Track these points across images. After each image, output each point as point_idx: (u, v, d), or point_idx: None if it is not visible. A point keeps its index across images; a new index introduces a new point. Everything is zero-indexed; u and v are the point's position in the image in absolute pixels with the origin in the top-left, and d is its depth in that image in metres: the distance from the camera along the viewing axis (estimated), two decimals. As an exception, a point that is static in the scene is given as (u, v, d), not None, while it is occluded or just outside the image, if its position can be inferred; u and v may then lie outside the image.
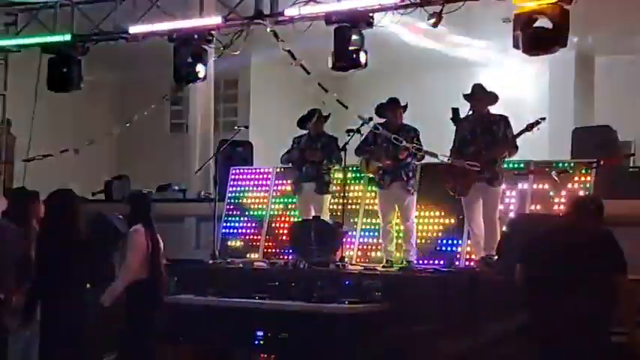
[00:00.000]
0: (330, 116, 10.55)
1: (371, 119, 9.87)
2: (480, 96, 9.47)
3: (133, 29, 10.78)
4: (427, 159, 9.95)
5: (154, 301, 7.93)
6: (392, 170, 9.92)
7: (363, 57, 9.63)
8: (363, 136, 10.13)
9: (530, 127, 9.11)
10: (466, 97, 9.52)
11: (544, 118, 9.21)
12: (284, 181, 11.58)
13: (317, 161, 10.41)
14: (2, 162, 12.04)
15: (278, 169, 11.70)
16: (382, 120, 9.94)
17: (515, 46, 8.73)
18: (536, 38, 8.63)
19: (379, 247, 10.33)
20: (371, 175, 10.25)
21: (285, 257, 10.76)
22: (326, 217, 10.40)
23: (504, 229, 9.16)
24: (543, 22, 8.58)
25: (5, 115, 11.96)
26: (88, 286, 7.76)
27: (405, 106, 10.03)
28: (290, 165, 10.79)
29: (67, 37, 11.08)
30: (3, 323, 7.37)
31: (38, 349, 7.53)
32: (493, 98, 9.48)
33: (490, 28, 12.87)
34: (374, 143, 10.06)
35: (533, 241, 6.84)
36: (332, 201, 10.63)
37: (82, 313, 7.47)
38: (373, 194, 10.53)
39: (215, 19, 10.43)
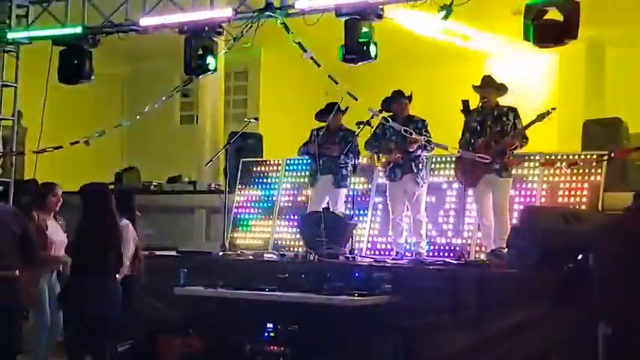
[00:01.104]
0: (348, 110, 10.56)
1: (381, 111, 9.87)
2: (490, 87, 9.46)
3: (144, 21, 10.80)
4: (437, 150, 9.96)
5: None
6: (402, 163, 9.93)
7: (373, 49, 9.63)
8: (373, 130, 10.14)
9: (541, 118, 9.09)
10: (476, 88, 9.51)
11: (554, 109, 9.19)
12: (294, 173, 11.60)
13: (335, 155, 10.41)
14: (14, 153, 12.06)
15: (288, 161, 11.72)
16: (389, 113, 9.94)
17: (526, 38, 8.71)
18: (546, 30, 8.60)
19: (389, 240, 10.34)
20: (381, 169, 10.26)
21: (296, 249, 10.78)
22: (341, 210, 10.41)
23: (515, 221, 9.15)
24: (554, 14, 8.56)
25: (16, 107, 11.98)
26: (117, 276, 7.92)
27: (410, 97, 10.02)
28: (307, 157, 10.80)
29: (78, 30, 11.09)
30: (17, 301, 7.42)
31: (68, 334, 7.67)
32: (503, 90, 9.48)
33: (500, 19, 12.86)
34: (383, 136, 10.07)
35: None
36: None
37: (115, 302, 7.63)
38: (383, 187, 10.56)
39: (226, 12, 10.43)
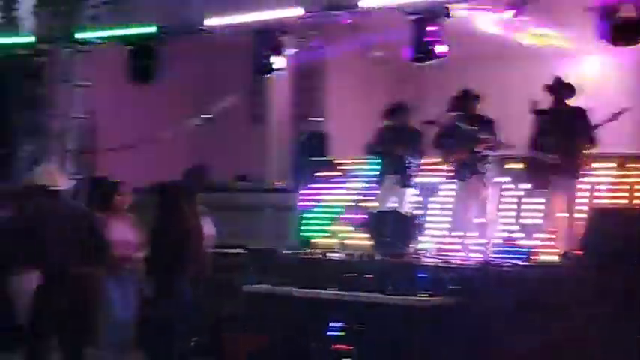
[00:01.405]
0: (414, 109, 10.52)
1: (449, 111, 9.82)
2: (560, 88, 9.34)
3: (213, 22, 10.92)
4: (506, 151, 9.87)
5: None
6: (470, 163, 9.85)
7: (440, 48, 9.58)
8: (440, 129, 10.08)
9: (613, 117, 8.96)
10: (546, 88, 9.40)
11: (628, 108, 9.03)
12: (361, 172, 11.60)
13: (401, 155, 10.39)
14: (86, 152, 12.29)
15: (355, 160, 11.72)
16: (457, 112, 9.88)
17: (598, 36, 8.58)
18: (619, 29, 8.48)
19: (456, 240, 10.28)
20: (449, 168, 10.20)
21: (362, 248, 10.77)
22: (407, 209, 10.38)
23: (586, 222, 9.01)
24: (628, 12, 8.42)
25: (89, 106, 12.20)
26: None
27: (479, 97, 9.95)
28: (373, 156, 10.80)
29: (150, 30, 11.27)
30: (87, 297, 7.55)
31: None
32: (573, 91, 9.35)
33: (571, 17, 12.65)
34: (452, 136, 10.00)
35: None
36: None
37: (185, 301, 7.74)
38: (452, 187, 10.49)
39: (294, 11, 10.48)
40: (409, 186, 10.52)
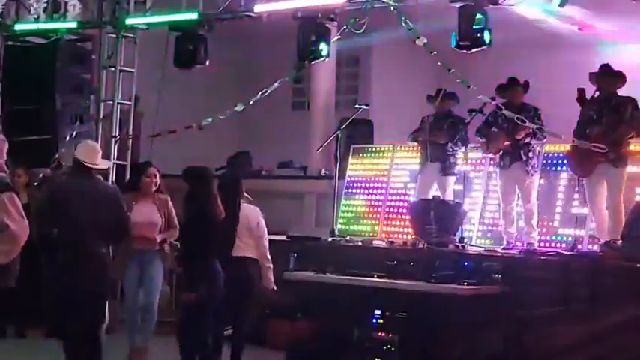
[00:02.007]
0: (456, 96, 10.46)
1: (493, 99, 9.76)
2: (607, 76, 9.23)
3: (258, 8, 10.92)
4: (550, 140, 9.79)
5: None
6: (511, 151, 9.79)
7: (487, 36, 9.50)
8: (485, 117, 10.03)
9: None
10: (592, 76, 9.29)
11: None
12: (404, 160, 11.57)
13: (443, 143, 10.34)
14: (130, 137, 12.37)
15: (398, 148, 11.69)
16: (502, 100, 9.81)
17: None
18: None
19: (500, 229, 10.22)
20: (492, 156, 10.14)
21: (405, 236, 10.75)
22: (449, 198, 10.34)
23: (630, 212, 8.92)
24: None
25: (133, 92, 12.28)
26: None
27: (526, 85, 9.87)
28: (416, 143, 10.77)
29: (194, 16, 11.31)
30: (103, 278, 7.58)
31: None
32: (621, 79, 9.24)
33: (619, 5, 12.50)
34: (495, 123, 9.95)
35: None
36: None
37: (220, 282, 7.73)
38: (495, 175, 10.43)
39: (339, -2, 10.48)
40: (451, 174, 10.47)
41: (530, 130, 9.57)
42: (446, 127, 10.42)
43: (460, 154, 10.37)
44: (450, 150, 10.40)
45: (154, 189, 8.87)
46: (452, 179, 10.52)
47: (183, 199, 7.83)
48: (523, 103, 9.87)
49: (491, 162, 10.39)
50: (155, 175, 8.91)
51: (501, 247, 9.84)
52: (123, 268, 8.68)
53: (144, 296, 8.70)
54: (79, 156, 7.53)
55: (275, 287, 8.57)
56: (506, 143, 9.80)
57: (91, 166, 7.51)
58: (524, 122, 9.45)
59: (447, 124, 10.45)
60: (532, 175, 9.83)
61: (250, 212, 8.43)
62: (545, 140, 9.89)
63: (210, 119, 11.41)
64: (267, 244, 8.48)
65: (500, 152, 9.91)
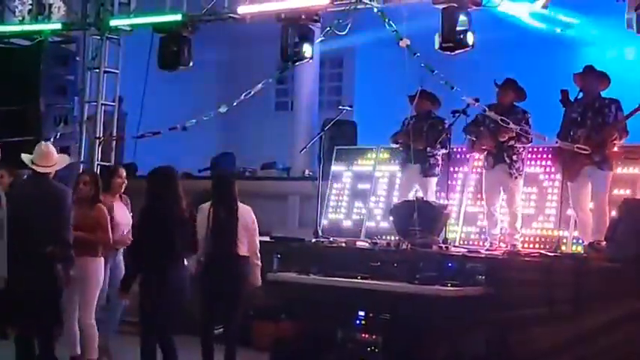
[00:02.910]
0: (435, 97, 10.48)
1: (477, 100, 9.76)
2: (591, 78, 9.25)
3: (242, 9, 10.92)
4: (535, 142, 9.81)
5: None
6: (495, 152, 9.80)
7: (470, 37, 9.53)
8: (473, 117, 10.02)
9: (644, 107, 8.88)
10: (576, 78, 9.31)
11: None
12: (387, 161, 11.58)
13: (423, 144, 10.35)
14: (114, 138, 12.35)
15: (382, 149, 11.69)
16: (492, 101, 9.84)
17: (629, 27, 8.52)
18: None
19: (483, 230, 10.24)
20: (477, 155, 10.15)
21: (388, 238, 10.76)
22: (431, 199, 10.35)
23: (614, 214, 8.95)
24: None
25: (117, 93, 12.26)
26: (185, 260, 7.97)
27: (519, 89, 9.85)
28: (397, 145, 10.78)
29: (178, 17, 11.29)
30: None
31: (140, 319, 7.77)
32: (605, 80, 9.26)
33: (601, 6, 12.55)
34: (482, 124, 9.93)
35: None
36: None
37: (183, 286, 7.67)
38: (478, 176, 10.46)
39: (322, 0, 10.47)
40: (431, 175, 10.47)
41: (514, 133, 9.57)
42: (425, 129, 10.40)
43: (440, 155, 10.40)
44: (430, 152, 10.40)
45: (121, 190, 9.10)
46: (433, 180, 10.53)
47: (148, 199, 7.78)
48: (512, 105, 9.87)
49: (475, 163, 10.41)
50: (125, 177, 9.12)
51: (485, 248, 9.85)
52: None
53: (109, 295, 8.76)
54: (28, 160, 7.72)
55: (260, 284, 8.56)
56: (490, 144, 9.81)
57: (40, 169, 7.69)
58: (508, 124, 9.46)
59: (427, 125, 10.43)
60: (516, 178, 9.82)
61: (245, 211, 8.43)
62: (530, 144, 9.89)
63: (194, 120, 11.40)
64: (258, 242, 8.49)
65: (485, 152, 9.93)
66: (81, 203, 8.42)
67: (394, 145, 10.98)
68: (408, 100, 10.64)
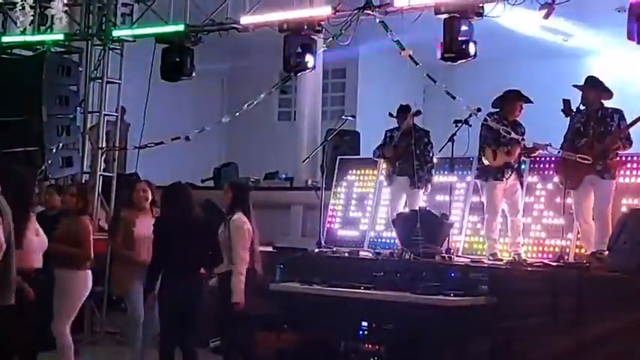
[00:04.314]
0: (421, 112, 10.54)
1: (479, 110, 9.76)
2: (592, 88, 9.25)
3: (245, 20, 10.95)
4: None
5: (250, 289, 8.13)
6: (514, 163, 9.78)
7: (472, 48, 9.55)
8: (486, 127, 9.91)
9: (646, 117, 8.89)
10: (579, 88, 9.32)
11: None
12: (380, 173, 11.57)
13: (408, 156, 10.34)
14: (116, 148, 12.36)
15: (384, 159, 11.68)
16: (496, 111, 9.83)
17: (630, 37, 8.53)
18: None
19: (485, 239, 10.23)
20: (495, 166, 9.96)
21: (391, 248, 10.76)
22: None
23: (617, 223, 8.94)
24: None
25: (120, 103, 12.28)
26: (202, 270, 8.04)
27: (525, 99, 9.83)
28: (382, 160, 10.77)
29: (180, 28, 11.31)
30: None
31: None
32: (608, 91, 9.27)
33: (603, 17, 12.59)
34: (504, 135, 9.79)
35: None
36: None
37: (199, 296, 7.72)
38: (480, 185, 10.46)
39: (325, 10, 10.51)
40: (420, 187, 10.45)
41: (523, 146, 9.56)
42: (411, 142, 10.33)
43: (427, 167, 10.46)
44: (417, 163, 10.39)
45: (147, 203, 8.97)
46: (421, 192, 10.51)
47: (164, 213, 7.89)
48: (515, 120, 9.83)
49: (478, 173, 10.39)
50: (144, 190, 8.98)
51: (488, 258, 9.84)
52: (126, 283, 8.73)
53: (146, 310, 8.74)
54: None
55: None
56: (517, 154, 9.72)
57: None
58: (509, 134, 9.46)
59: (414, 137, 10.34)
60: (519, 188, 9.85)
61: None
62: (536, 154, 9.88)
63: (197, 130, 11.41)
64: (243, 254, 8.16)
65: (505, 163, 9.81)
66: (67, 215, 8.44)
67: (378, 159, 10.95)
68: (389, 116, 10.66)
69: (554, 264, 9.21)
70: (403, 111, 10.56)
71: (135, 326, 8.87)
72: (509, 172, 9.76)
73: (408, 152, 10.35)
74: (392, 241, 10.84)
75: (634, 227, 8.41)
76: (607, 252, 8.74)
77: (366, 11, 10.05)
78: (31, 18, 12.20)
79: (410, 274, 9.01)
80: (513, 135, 9.49)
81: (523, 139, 9.57)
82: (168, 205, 8.11)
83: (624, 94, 10.30)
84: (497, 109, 9.88)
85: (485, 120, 9.62)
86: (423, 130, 10.58)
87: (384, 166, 10.87)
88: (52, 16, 12.16)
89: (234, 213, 8.16)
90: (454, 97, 9.52)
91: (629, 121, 9.07)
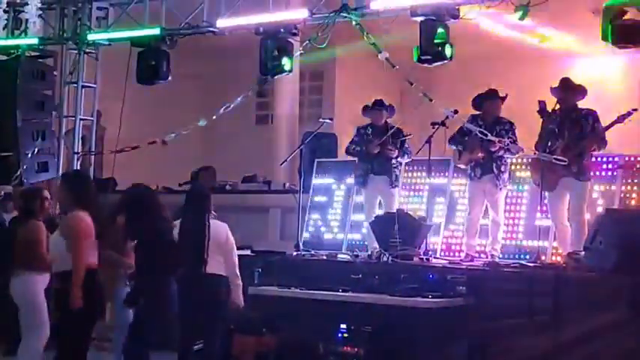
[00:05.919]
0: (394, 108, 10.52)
1: (456, 112, 9.79)
2: (568, 90, 9.30)
3: (221, 23, 10.93)
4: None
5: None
6: (484, 163, 9.80)
7: (448, 50, 9.59)
8: (458, 127, 9.99)
9: (621, 119, 8.93)
10: (553, 90, 9.37)
11: (636, 109, 9.00)
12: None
13: (391, 156, 10.33)
14: (92, 153, 12.31)
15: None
16: (478, 112, 9.85)
17: (604, 38, 8.58)
18: (625, 31, 8.48)
19: (464, 241, 10.26)
20: (462, 167, 10.09)
21: (369, 250, 10.76)
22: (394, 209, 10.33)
23: (594, 224, 8.99)
24: (633, 14, 8.42)
25: (96, 107, 12.23)
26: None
27: (504, 98, 9.88)
28: (355, 159, 10.73)
29: (156, 31, 11.29)
30: None
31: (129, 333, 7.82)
32: (582, 92, 9.32)
33: (578, 19, 12.66)
34: (469, 134, 9.89)
35: None
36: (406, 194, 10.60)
37: (173, 300, 7.69)
38: (458, 187, 10.49)
39: (301, 13, 10.52)
40: (396, 186, 10.46)
41: (505, 144, 9.58)
42: (390, 139, 10.35)
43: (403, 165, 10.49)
44: (395, 162, 10.40)
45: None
46: (396, 191, 10.51)
47: (131, 218, 7.82)
48: (499, 117, 9.88)
49: (459, 173, 10.42)
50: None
51: (466, 259, 9.86)
52: (110, 288, 8.70)
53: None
54: None
55: (243, 304, 8.52)
56: (480, 155, 9.78)
57: None
58: (486, 135, 9.49)
59: (388, 134, 10.38)
60: (501, 189, 9.83)
61: (219, 227, 8.37)
62: (517, 155, 9.92)
63: (173, 134, 11.38)
64: (236, 260, 8.40)
65: (472, 162, 9.90)
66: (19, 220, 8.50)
67: (353, 157, 10.87)
68: (364, 110, 10.64)
69: (531, 265, 9.24)
70: (378, 106, 10.52)
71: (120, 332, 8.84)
72: (479, 171, 9.79)
73: (385, 150, 10.35)
74: (369, 243, 10.84)
75: (610, 228, 8.45)
76: (583, 252, 8.77)
77: (342, 14, 10.07)
78: (5, 22, 12.14)
79: (388, 277, 9.03)
80: (490, 137, 9.51)
81: (502, 140, 9.56)
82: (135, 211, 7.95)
83: (602, 94, 10.38)
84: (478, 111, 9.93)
85: (472, 120, 9.67)
86: (396, 127, 10.45)
87: (359, 164, 10.77)
88: (27, 20, 12.10)
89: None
90: (431, 100, 9.54)
91: (603, 120, 9.12)
